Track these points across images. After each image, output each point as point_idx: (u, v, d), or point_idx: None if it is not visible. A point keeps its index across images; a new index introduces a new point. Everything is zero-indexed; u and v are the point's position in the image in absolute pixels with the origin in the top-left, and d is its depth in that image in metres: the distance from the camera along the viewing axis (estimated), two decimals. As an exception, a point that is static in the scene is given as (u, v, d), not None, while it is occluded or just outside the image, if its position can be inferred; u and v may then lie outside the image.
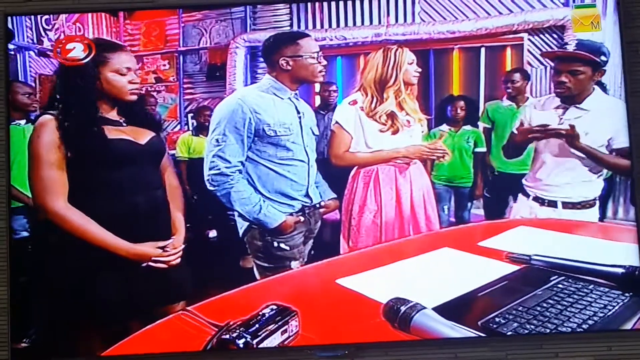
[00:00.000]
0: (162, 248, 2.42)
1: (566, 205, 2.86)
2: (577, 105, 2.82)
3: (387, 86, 2.87)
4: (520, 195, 2.99)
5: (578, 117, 2.81)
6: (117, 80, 2.40)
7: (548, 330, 1.77)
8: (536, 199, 2.92)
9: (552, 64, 2.89)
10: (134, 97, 2.46)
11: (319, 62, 2.75)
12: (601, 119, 2.78)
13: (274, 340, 1.73)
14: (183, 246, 2.50)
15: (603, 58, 2.78)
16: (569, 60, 2.81)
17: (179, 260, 2.47)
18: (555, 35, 3.02)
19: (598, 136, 2.75)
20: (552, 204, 2.88)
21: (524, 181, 2.98)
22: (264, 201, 2.71)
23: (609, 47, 2.84)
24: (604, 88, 2.87)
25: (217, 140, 2.67)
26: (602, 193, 2.87)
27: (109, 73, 2.39)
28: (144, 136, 2.46)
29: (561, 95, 2.83)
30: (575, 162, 2.82)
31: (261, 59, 2.88)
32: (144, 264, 2.39)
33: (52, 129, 2.29)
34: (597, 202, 2.87)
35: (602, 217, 2.90)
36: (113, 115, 2.45)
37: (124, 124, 2.44)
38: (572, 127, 2.74)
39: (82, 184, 2.34)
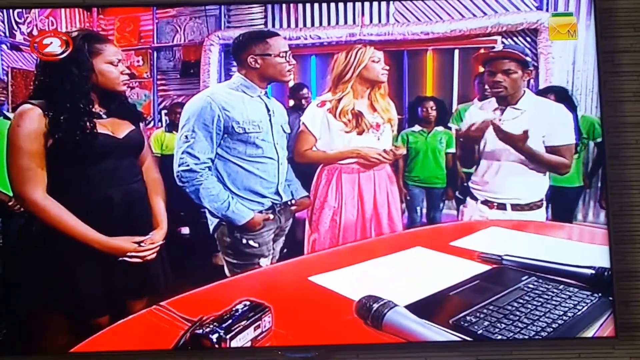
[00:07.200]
0: (138, 243, 2.41)
1: (515, 207, 2.90)
2: (513, 106, 2.88)
3: (342, 82, 2.90)
4: (469, 199, 3.03)
5: (515, 117, 2.87)
6: (111, 72, 2.39)
7: (518, 329, 1.78)
8: (485, 202, 2.96)
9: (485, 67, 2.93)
10: (125, 88, 2.48)
11: (288, 62, 2.75)
12: (535, 119, 2.83)
13: (247, 336, 1.72)
14: (161, 242, 2.49)
15: (529, 59, 2.85)
16: (501, 59, 2.85)
17: (154, 255, 2.46)
18: (528, 39, 3.06)
19: (534, 134, 2.78)
20: (502, 206, 2.92)
21: (471, 184, 3.02)
22: (232, 198, 2.70)
23: (584, 56, 2.92)
24: (570, 97, 2.94)
25: (186, 137, 2.66)
26: (549, 194, 2.91)
27: (104, 64, 2.38)
28: (123, 129, 2.44)
29: (498, 95, 2.88)
30: (521, 164, 2.86)
31: (235, 57, 2.88)
32: (120, 259, 2.37)
33: (36, 118, 2.25)
34: (544, 203, 2.92)
35: (550, 217, 2.94)
36: (95, 107, 2.41)
37: (104, 116, 2.41)
38: (526, 132, 2.77)
39: (59, 176, 2.31)
